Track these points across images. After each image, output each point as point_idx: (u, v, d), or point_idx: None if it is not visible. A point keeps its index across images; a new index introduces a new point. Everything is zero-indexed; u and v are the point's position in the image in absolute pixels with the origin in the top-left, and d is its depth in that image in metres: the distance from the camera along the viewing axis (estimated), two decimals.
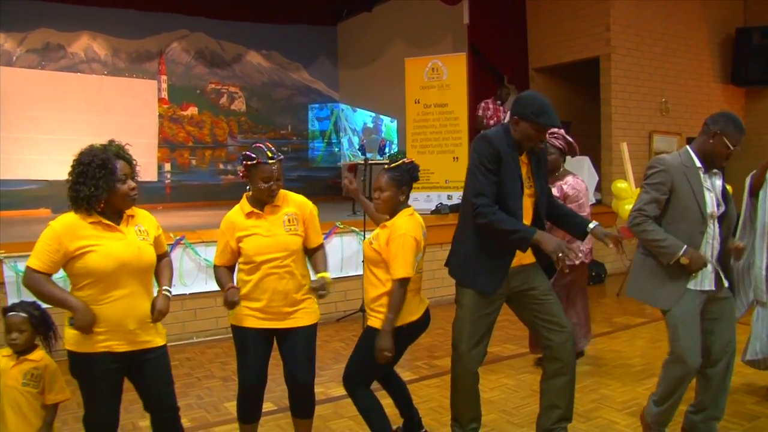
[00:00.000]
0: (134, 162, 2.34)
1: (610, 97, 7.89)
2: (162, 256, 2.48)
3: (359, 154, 10.95)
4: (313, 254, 2.71)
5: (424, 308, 2.74)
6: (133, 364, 2.30)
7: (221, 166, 11.25)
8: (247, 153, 2.52)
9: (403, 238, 2.56)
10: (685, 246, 2.52)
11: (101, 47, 10.25)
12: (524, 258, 2.68)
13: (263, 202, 2.58)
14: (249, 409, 2.68)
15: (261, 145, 2.55)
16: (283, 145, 11.76)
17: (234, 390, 3.83)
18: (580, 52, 8.13)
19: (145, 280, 2.33)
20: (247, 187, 2.61)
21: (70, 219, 2.23)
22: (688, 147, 2.68)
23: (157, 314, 2.32)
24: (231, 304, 2.47)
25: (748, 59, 8.80)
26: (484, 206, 2.49)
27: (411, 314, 2.66)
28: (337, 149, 12.13)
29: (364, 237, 5.17)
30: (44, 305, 2.41)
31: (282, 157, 2.56)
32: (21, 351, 2.42)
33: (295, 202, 2.66)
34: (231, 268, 2.68)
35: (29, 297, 4.39)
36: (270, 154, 2.50)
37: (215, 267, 2.66)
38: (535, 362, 4.20)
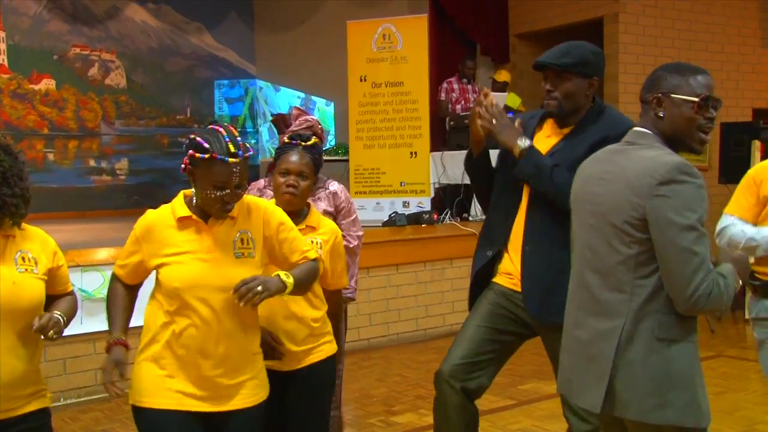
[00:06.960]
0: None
1: (617, 71, 7.97)
2: (63, 296, 2.47)
3: None
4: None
5: None
6: None
7: (92, 163, 10.77)
8: (197, 139, 2.29)
9: (342, 241, 2.96)
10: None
11: None
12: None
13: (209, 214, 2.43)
14: None
15: (220, 128, 2.34)
16: (181, 135, 11.38)
17: None
18: (578, 12, 8.29)
19: (22, 329, 2.25)
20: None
21: None
22: (655, 141, 2.19)
23: (38, 325, 2.26)
24: (116, 364, 2.31)
25: None
26: None
27: None
28: (254, 140, 11.87)
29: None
30: None
31: (251, 152, 2.38)
32: None
33: (257, 212, 2.48)
34: (135, 290, 2.51)
35: None
36: (232, 148, 2.27)
37: (113, 278, 2.51)
38: None
